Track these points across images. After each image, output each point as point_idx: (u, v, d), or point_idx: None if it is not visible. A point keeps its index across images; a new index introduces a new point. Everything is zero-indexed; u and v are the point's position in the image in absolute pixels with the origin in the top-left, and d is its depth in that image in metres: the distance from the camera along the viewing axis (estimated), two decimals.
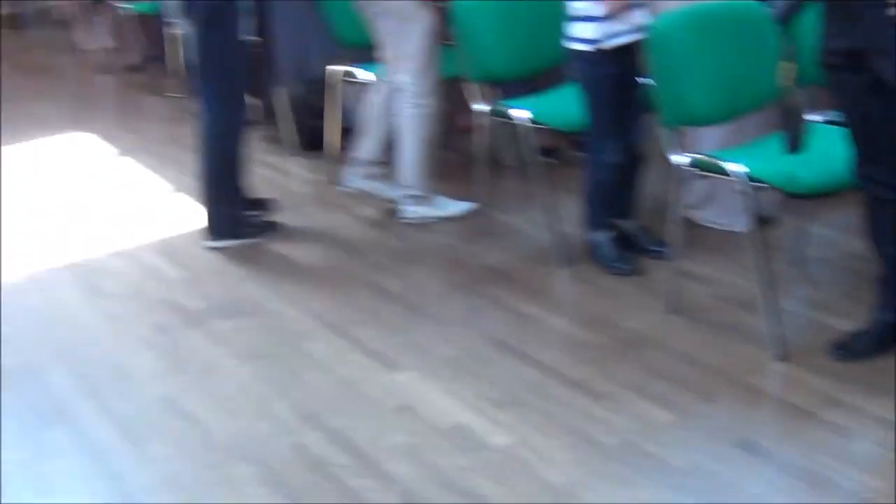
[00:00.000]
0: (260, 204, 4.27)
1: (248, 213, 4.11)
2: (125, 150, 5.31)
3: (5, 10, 8.37)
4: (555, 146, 4.50)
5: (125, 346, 3.32)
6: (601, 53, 3.32)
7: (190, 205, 4.49)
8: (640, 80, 3.29)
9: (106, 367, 3.18)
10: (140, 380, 3.09)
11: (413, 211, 4.14)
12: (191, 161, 5.06)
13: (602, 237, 3.62)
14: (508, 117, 3.72)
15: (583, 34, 3.34)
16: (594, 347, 3.10)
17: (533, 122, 3.63)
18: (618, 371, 2.95)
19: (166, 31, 5.85)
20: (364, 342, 3.22)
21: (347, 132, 4.75)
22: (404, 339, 3.23)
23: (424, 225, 4.12)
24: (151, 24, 6.32)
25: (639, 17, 3.33)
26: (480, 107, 3.80)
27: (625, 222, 3.66)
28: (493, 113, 3.78)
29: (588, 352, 3.08)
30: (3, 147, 5.45)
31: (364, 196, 4.41)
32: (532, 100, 3.77)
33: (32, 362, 3.24)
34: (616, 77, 3.35)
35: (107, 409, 2.92)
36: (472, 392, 2.88)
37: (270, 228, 4.13)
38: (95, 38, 7.11)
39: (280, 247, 4.03)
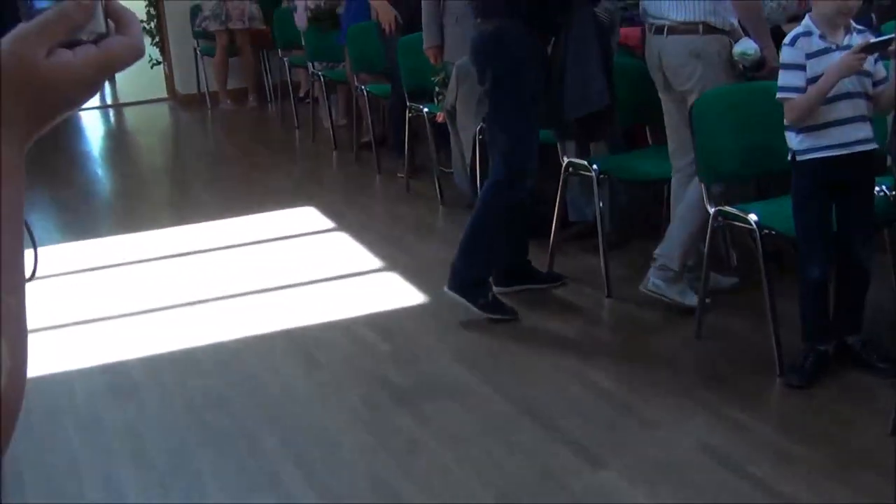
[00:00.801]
0: (541, 277, 4.39)
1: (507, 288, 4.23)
2: (347, 225, 5.54)
3: (239, 84, 8.98)
4: (780, 250, 4.37)
5: (335, 418, 3.43)
6: (801, 163, 3.33)
7: (403, 283, 4.63)
8: (868, 193, 3.21)
9: (316, 437, 3.30)
10: (348, 453, 3.18)
11: (656, 285, 4.09)
12: (409, 241, 5.26)
13: (813, 349, 3.48)
14: (735, 219, 3.66)
15: (789, 142, 3.38)
16: (807, 463, 2.97)
17: (759, 225, 3.55)
18: (832, 492, 2.81)
19: (392, 112, 6.12)
20: (570, 435, 3.20)
21: (568, 224, 4.80)
22: (611, 436, 3.19)
23: (642, 323, 4.08)
24: (387, 106, 6.62)
25: (859, 131, 3.28)
26: (708, 207, 3.75)
27: (848, 337, 3.51)
28: (720, 214, 3.72)
29: (800, 467, 2.95)
30: (235, 217, 5.81)
31: (580, 287, 4.41)
32: (760, 203, 3.70)
33: (245, 426, 3.40)
34: (813, 190, 3.32)
35: (315, 480, 3.02)
36: (675, 499, 2.81)
37: (509, 313, 4.14)
38: (333, 115, 7.50)
39: (497, 328, 4.08)
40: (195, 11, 8.97)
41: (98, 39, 0.78)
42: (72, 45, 0.76)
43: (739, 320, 4.00)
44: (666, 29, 4.00)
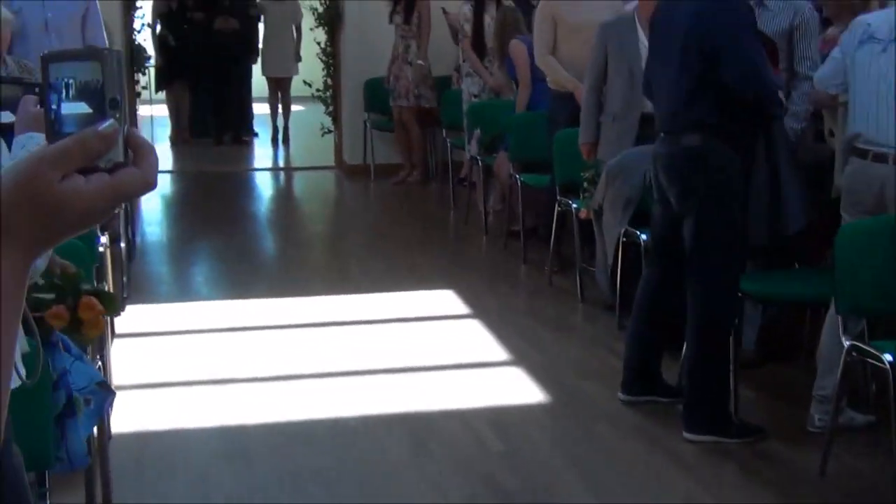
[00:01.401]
0: (670, 390, 4.30)
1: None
2: (484, 313, 5.58)
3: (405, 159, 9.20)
4: None
5: None
6: None
7: (530, 380, 4.63)
8: None
9: None
10: None
11: (823, 421, 3.94)
12: (544, 336, 5.26)
13: None
14: (869, 356, 3.53)
15: None
16: None
17: (894, 366, 3.40)
18: None
19: (555, 206, 6.17)
20: None
21: None
22: None
23: (765, 453, 3.95)
24: (541, 196, 6.67)
25: None
26: (843, 341, 3.62)
27: None
28: (854, 349, 3.59)
29: None
30: (378, 292, 5.95)
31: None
32: None
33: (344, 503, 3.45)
34: None
35: None
36: None
37: (756, 432, 4.03)
38: (488, 200, 7.61)
39: (619, 441, 4.02)
40: (373, 85, 9.31)
41: (114, 168, 0.83)
42: (87, 169, 0.81)
43: (868, 459, 3.82)
44: (892, 158, 3.88)
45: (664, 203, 4.14)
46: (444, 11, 8.63)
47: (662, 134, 4.11)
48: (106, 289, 3.55)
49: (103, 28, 5.67)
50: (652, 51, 4.29)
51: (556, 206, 5.99)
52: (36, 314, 2.53)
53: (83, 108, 0.84)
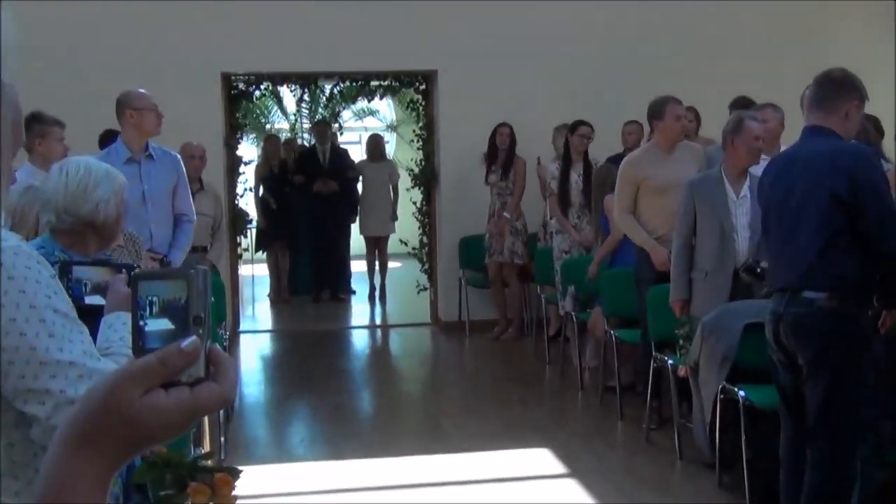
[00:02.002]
0: None
1: None
2: (579, 472, 5.52)
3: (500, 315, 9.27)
4: None
5: None
6: None
7: None
8: None
9: None
10: None
11: None
12: (642, 497, 5.17)
13: None
14: None
15: None
16: None
17: None
18: None
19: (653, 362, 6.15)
20: None
21: None
22: None
23: None
24: (636, 352, 6.66)
25: None
26: None
27: None
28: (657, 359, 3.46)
29: None
30: (471, 452, 5.94)
31: None
32: None
33: None
34: None
35: None
36: None
37: None
38: (583, 356, 7.60)
39: None
40: (468, 242, 9.48)
41: (195, 382, 0.88)
42: (170, 382, 0.87)
43: None
44: None
45: (788, 365, 4.03)
46: (539, 162, 8.88)
47: (785, 291, 3.98)
48: (202, 451, 3.62)
49: (190, 197, 5.96)
50: (768, 206, 4.18)
51: (652, 362, 5.96)
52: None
53: (166, 324, 0.91)
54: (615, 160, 7.71)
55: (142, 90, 5.85)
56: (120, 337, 1.92)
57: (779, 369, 4.12)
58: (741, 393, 4.91)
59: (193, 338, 0.89)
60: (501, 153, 8.98)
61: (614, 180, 6.98)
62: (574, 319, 7.53)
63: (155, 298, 0.92)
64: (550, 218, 8.38)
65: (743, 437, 4.94)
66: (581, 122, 8.18)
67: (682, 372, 5.51)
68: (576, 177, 8.05)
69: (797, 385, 4.00)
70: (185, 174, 5.98)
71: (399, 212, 11.60)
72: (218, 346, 0.94)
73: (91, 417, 0.85)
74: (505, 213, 8.91)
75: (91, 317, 1.89)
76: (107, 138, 6.86)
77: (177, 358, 0.87)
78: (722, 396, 5.08)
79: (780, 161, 4.16)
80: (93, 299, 2.21)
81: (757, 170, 5.11)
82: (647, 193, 6.31)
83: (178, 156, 6.02)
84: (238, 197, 10.00)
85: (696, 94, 7.98)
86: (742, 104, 6.91)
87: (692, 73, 9.23)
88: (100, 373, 1.55)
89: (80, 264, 2.37)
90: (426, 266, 10.16)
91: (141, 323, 0.91)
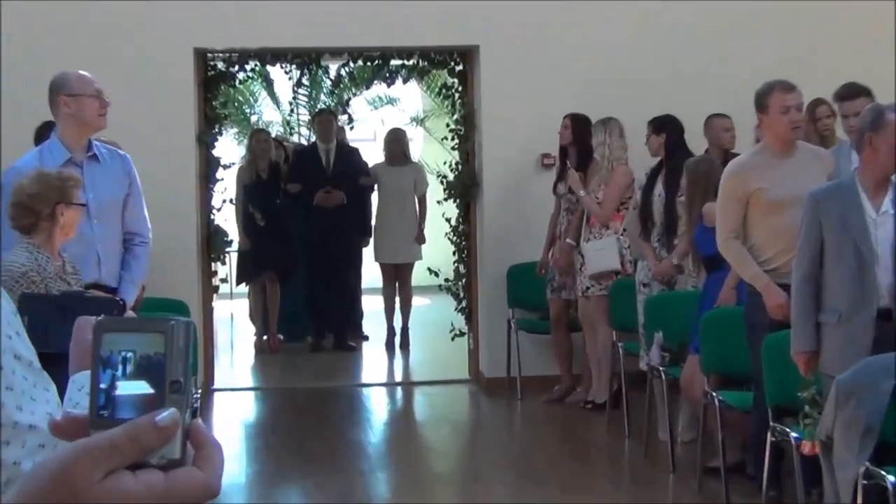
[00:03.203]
0: None
1: None
2: None
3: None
4: None
5: None
6: None
7: None
8: None
9: None
10: None
11: None
12: None
13: None
14: None
15: None
16: None
17: None
18: None
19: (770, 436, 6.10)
20: None
21: None
22: None
23: None
24: (747, 421, 6.60)
25: None
26: None
27: None
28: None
29: None
30: None
31: None
32: None
33: None
34: None
35: None
36: None
37: None
38: (675, 426, 7.55)
39: None
40: (519, 273, 9.47)
41: (168, 466, 0.89)
42: (136, 465, 0.87)
43: None
44: None
45: None
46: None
47: None
48: None
49: (144, 209, 5.99)
50: None
51: (769, 434, 5.91)
52: None
53: (144, 389, 0.92)
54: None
55: (82, 72, 5.89)
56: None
57: None
58: (891, 478, 4.85)
59: (172, 410, 0.91)
60: (573, 154, 8.98)
61: (716, 179, 6.96)
62: (662, 376, 7.48)
63: (129, 355, 0.93)
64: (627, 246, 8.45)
65: None
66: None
67: (808, 448, 5.46)
68: (659, 191, 8.04)
69: None
70: (138, 179, 6.01)
71: (427, 232, 11.62)
72: (200, 421, 0.95)
73: (36, 499, 0.84)
74: (568, 240, 8.89)
75: (53, 365, 1.86)
76: (45, 131, 6.91)
77: (151, 435, 0.88)
78: (865, 482, 5.02)
79: None
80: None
81: None
82: (758, 211, 6.29)
83: (129, 156, 6.05)
84: (214, 211, 10.05)
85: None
86: (855, 93, 6.93)
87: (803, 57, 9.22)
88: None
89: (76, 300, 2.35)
90: (463, 304, 10.17)
91: (104, 385, 0.92)
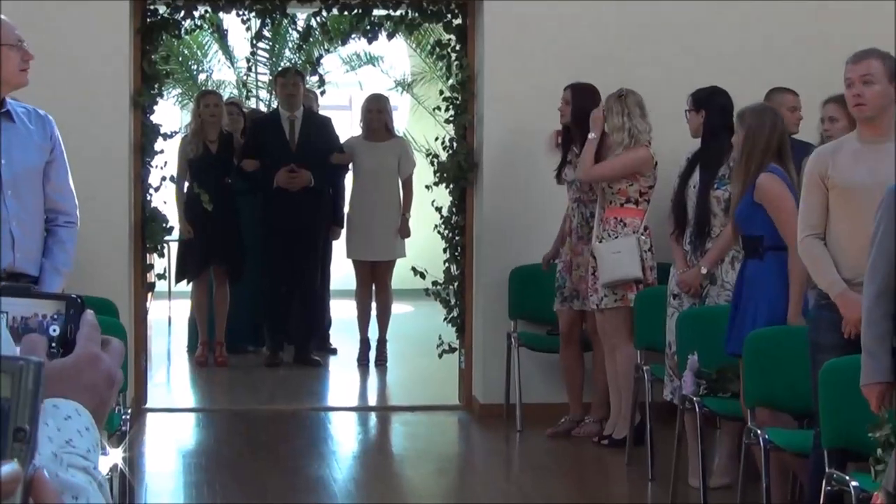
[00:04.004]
0: None
1: None
2: None
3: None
4: None
5: None
6: None
7: None
8: None
9: None
10: None
11: None
12: None
13: None
14: None
15: None
16: None
17: None
18: None
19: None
20: None
21: None
22: None
23: None
24: (800, 465, 6.61)
25: None
26: None
27: None
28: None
29: None
30: None
31: None
32: None
33: None
34: None
35: None
36: None
37: None
38: (708, 468, 7.54)
39: None
40: (524, 276, 9.44)
41: None
42: None
43: None
44: None
45: None
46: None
47: None
48: None
49: (70, 182, 5.96)
50: None
51: (825, 483, 5.90)
52: None
53: None
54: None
55: (2, 16, 5.87)
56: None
57: None
58: None
59: (13, 465, 0.95)
60: (574, 133, 8.96)
61: (782, 138, 6.94)
62: (696, 408, 7.46)
63: None
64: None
65: None
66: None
67: (877, 500, 5.45)
68: (696, 179, 8.02)
69: None
70: (62, 146, 5.99)
71: (413, 223, 11.63)
72: (44, 472, 1.00)
73: None
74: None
75: None
76: None
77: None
78: None
79: None
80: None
81: None
82: (843, 204, 6.29)
83: (51, 118, 6.03)
84: (151, 191, 10.01)
85: None
86: None
87: None
88: None
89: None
90: (455, 313, 10.16)
91: None
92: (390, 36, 11.04)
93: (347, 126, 12.99)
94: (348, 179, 11.90)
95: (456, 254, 10.15)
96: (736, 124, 7.34)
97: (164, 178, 10.23)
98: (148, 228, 9.85)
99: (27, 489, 0.96)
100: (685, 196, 8.05)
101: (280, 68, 13.86)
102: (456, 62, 10.12)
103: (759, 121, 7.25)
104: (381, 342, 11.94)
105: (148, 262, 10.06)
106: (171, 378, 11.62)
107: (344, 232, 11.82)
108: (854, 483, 5.70)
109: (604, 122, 8.63)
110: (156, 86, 10.13)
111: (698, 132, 8.15)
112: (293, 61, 14.35)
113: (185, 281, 11.94)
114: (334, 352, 12.23)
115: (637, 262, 8.51)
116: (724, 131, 8.01)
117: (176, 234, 11.35)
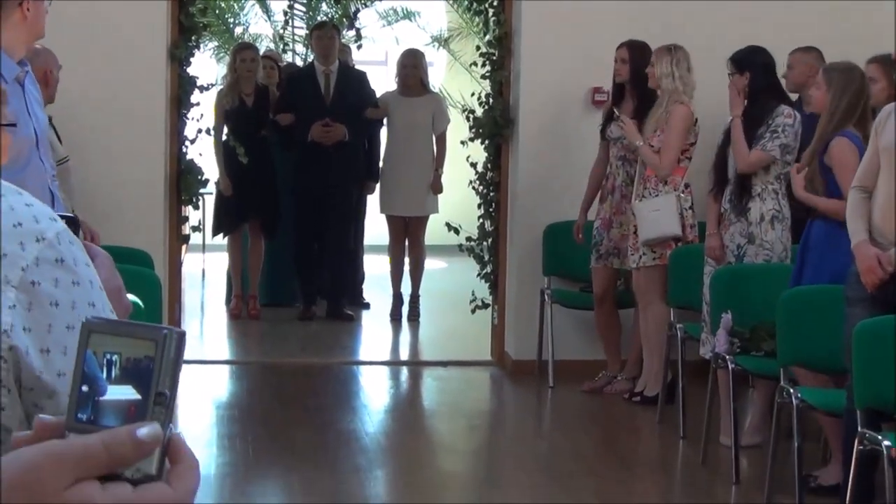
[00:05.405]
0: None
1: None
2: None
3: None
4: None
5: None
6: None
7: None
8: None
9: None
10: None
11: None
12: None
13: None
14: None
15: None
16: None
17: None
18: None
19: None
20: None
21: None
22: None
23: None
24: (831, 424, 6.63)
25: None
26: None
27: None
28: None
29: None
30: None
31: None
32: None
33: None
34: None
35: None
36: None
37: None
38: (740, 428, 7.56)
39: None
40: (558, 233, 9.45)
41: (142, 480, 0.99)
42: (107, 476, 0.96)
43: None
44: None
45: None
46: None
47: None
48: None
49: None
50: None
51: (857, 442, 5.91)
52: None
53: (130, 394, 1.02)
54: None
55: None
56: None
57: None
58: None
59: (153, 425, 1.01)
60: (630, 92, 8.95)
61: (867, 103, 6.92)
62: (729, 367, 7.46)
63: (115, 358, 1.03)
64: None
65: None
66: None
67: None
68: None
69: None
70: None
71: (446, 179, 11.64)
72: (181, 435, 1.06)
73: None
74: (636, 200, 8.75)
75: None
76: None
77: (128, 448, 0.97)
78: None
79: None
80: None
81: None
82: (882, 164, 6.27)
83: None
84: (187, 143, 10.05)
85: None
86: None
87: None
88: None
89: None
90: (488, 269, 10.19)
91: (85, 388, 1.02)
92: None
93: (383, 81, 12.97)
94: (383, 134, 11.89)
95: (490, 210, 10.16)
96: (821, 80, 7.31)
97: (199, 131, 10.26)
98: (183, 181, 9.88)
99: (164, 451, 1.02)
100: (727, 154, 8.03)
101: (316, 22, 13.85)
102: (493, 18, 10.09)
103: (846, 82, 7.23)
104: (414, 297, 11.96)
105: (183, 214, 10.09)
106: (204, 331, 11.66)
107: (378, 187, 11.84)
108: (886, 442, 5.71)
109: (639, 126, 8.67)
110: (193, 38, 10.13)
111: (745, 94, 8.07)
112: (330, 15, 14.33)
113: (220, 235, 11.98)
114: (367, 306, 12.26)
115: (676, 219, 8.51)
116: (767, 92, 7.99)
117: (211, 187, 11.37)
